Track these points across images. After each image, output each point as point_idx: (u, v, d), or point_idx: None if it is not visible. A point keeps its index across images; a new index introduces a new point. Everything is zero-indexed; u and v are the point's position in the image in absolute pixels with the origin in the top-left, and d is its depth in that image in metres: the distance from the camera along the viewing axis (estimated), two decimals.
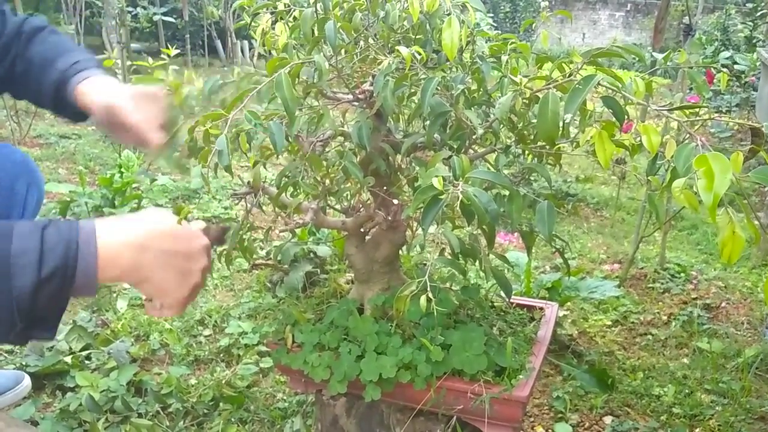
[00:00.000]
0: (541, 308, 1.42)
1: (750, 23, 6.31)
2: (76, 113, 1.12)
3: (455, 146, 1.10)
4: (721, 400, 1.70)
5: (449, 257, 1.09)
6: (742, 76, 5.42)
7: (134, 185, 2.61)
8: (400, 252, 1.32)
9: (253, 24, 1.18)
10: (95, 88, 1.08)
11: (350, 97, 1.14)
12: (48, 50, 1.16)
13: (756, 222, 0.76)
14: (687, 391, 1.74)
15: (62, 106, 1.14)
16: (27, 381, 1.58)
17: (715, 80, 1.14)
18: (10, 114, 4.06)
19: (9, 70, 1.18)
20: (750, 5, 6.34)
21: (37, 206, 1.31)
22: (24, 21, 1.20)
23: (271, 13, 1.14)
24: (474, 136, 1.08)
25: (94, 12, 6.84)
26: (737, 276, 2.52)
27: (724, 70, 1.09)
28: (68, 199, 2.58)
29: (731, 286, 2.41)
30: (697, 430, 1.59)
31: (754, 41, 6.12)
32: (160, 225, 0.83)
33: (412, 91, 1.06)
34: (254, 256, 1.22)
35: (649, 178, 0.95)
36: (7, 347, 1.80)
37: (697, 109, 0.98)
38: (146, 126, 1.03)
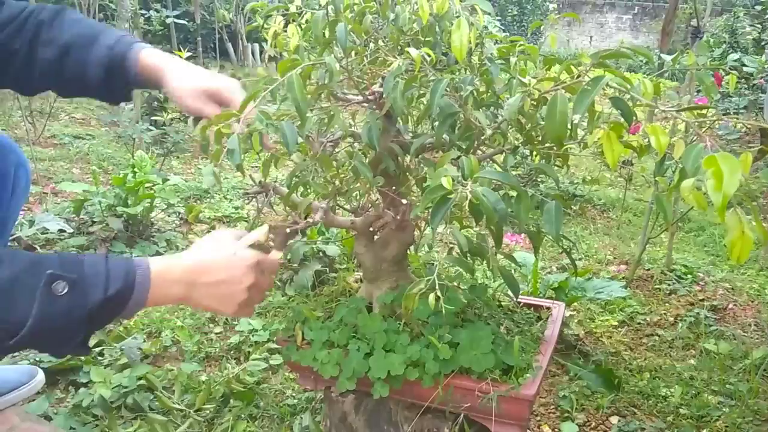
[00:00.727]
0: (548, 308, 1.43)
1: (758, 25, 6.28)
2: (125, 90, 1.07)
3: (464, 147, 1.11)
4: (729, 401, 1.70)
5: (457, 256, 1.10)
6: (751, 78, 5.39)
7: (147, 185, 2.63)
8: (409, 251, 1.33)
9: (265, 26, 1.20)
10: (169, 65, 1.05)
11: (360, 98, 1.15)
12: (84, 30, 1.07)
13: (765, 224, 0.76)
14: (694, 392, 1.74)
15: (113, 83, 1.07)
16: (41, 376, 1.59)
17: (723, 82, 1.15)
18: (25, 115, 4.11)
19: (27, 60, 1.07)
20: (758, 7, 6.31)
21: (27, 187, 1.27)
22: (33, 8, 1.09)
23: (283, 16, 1.16)
24: (482, 137, 1.09)
25: (108, 14, 6.88)
26: (744, 278, 2.51)
27: (733, 72, 1.10)
28: (82, 198, 2.60)
29: (738, 287, 2.41)
30: (704, 431, 1.60)
31: (763, 43, 6.09)
32: (207, 258, 0.91)
33: (422, 92, 1.07)
34: None
35: (656, 178, 0.96)
36: None
37: (705, 111, 0.99)
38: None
